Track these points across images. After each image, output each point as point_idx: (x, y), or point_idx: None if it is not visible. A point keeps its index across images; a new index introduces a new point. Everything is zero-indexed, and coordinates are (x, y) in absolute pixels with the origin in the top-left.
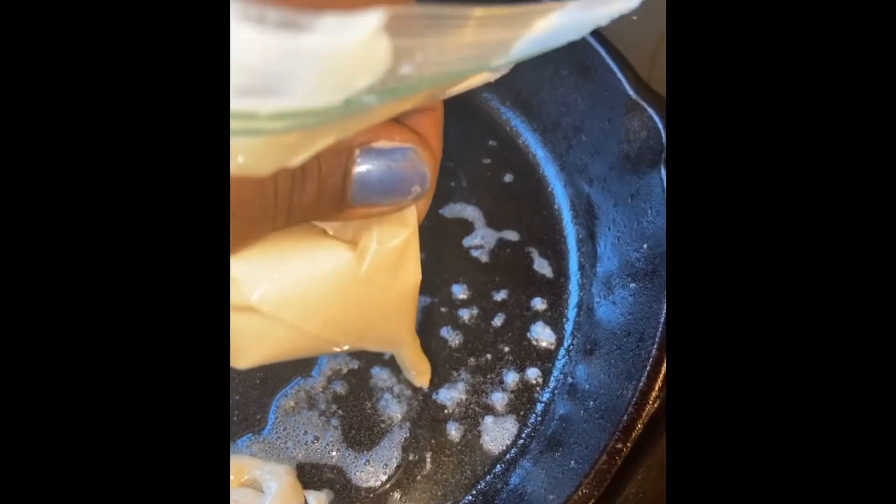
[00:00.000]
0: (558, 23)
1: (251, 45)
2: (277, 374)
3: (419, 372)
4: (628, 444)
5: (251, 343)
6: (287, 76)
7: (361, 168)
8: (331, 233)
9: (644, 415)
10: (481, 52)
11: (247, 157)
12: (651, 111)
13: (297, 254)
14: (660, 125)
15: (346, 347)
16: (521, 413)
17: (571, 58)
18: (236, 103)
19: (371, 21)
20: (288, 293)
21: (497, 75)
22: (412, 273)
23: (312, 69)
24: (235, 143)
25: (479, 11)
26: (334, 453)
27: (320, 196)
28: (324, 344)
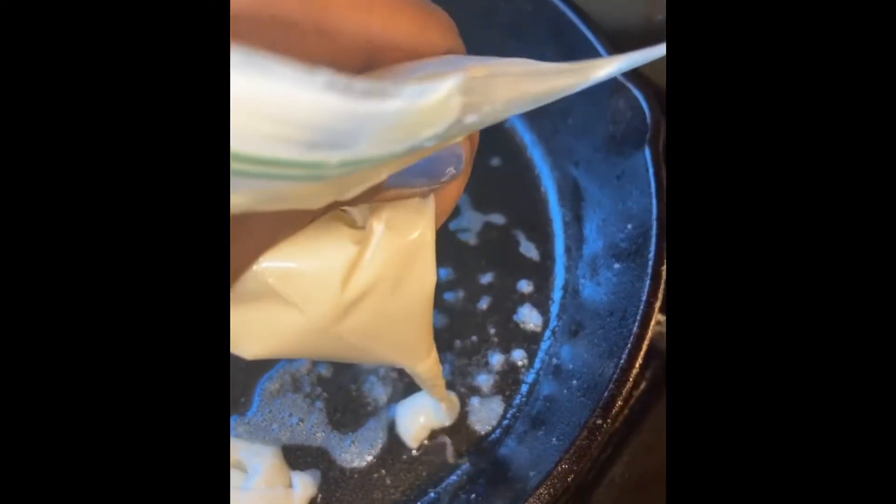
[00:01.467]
0: (610, 73)
1: (331, 109)
2: None
3: (446, 400)
4: (608, 421)
5: (258, 331)
6: (361, 132)
7: None
8: (355, 213)
9: (624, 391)
10: (541, 99)
11: (305, 196)
12: (636, 91)
13: (306, 233)
14: (644, 105)
15: (357, 354)
16: (507, 394)
17: (556, 40)
18: (306, 155)
19: (449, 86)
20: (293, 269)
21: None
22: (425, 274)
23: (385, 125)
24: (296, 186)
25: (546, 67)
26: (319, 435)
27: None
28: (332, 341)
